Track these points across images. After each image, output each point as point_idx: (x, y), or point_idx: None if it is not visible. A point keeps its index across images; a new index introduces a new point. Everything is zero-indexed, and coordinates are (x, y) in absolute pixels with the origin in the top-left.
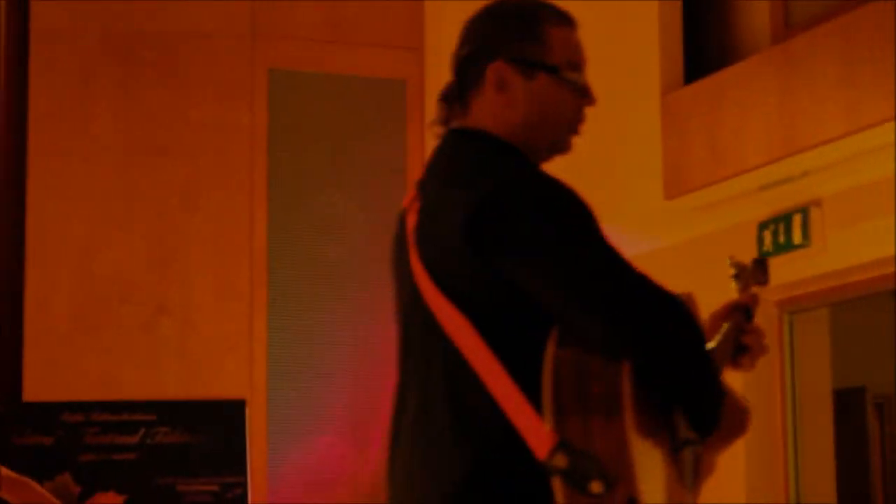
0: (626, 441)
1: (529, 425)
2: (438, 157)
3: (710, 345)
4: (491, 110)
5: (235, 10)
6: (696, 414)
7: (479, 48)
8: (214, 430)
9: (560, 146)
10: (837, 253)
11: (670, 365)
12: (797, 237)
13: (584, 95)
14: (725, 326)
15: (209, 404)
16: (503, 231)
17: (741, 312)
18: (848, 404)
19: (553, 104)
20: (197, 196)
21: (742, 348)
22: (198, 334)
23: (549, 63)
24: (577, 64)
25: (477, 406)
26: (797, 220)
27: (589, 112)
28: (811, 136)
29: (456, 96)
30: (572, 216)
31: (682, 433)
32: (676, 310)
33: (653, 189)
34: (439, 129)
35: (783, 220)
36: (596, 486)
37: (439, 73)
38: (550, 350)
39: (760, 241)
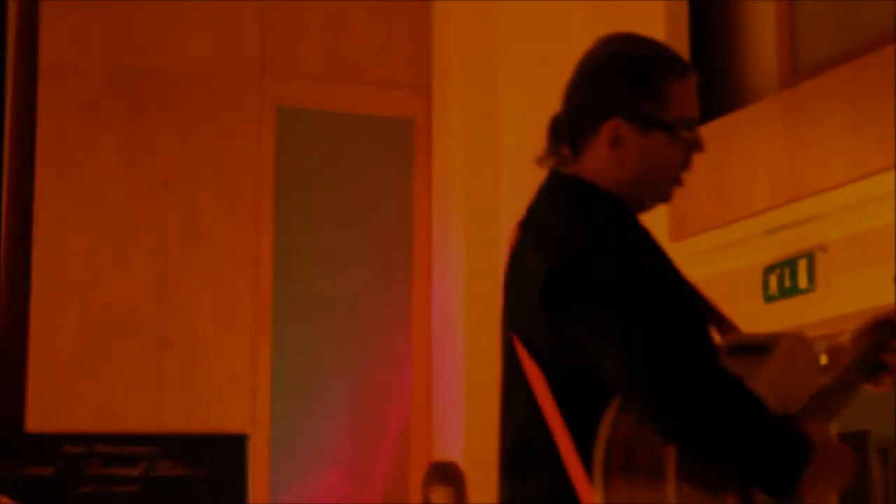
0: None
1: (583, 490)
2: (539, 200)
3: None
4: (602, 163)
5: (244, 47)
6: (764, 485)
7: (596, 101)
8: (216, 463)
9: (665, 196)
10: (842, 298)
11: (720, 450)
12: (802, 282)
13: (696, 149)
14: (865, 343)
15: (211, 438)
16: (576, 299)
17: (887, 327)
18: (851, 449)
19: (665, 161)
20: (202, 230)
21: (882, 366)
22: (201, 368)
23: (665, 121)
24: (691, 119)
25: (546, 459)
26: (803, 265)
27: None
28: (817, 181)
29: (566, 138)
30: (642, 288)
31: (756, 498)
32: (729, 394)
33: (658, 231)
34: (545, 165)
35: (789, 264)
36: None
37: (447, 112)
38: (611, 413)
39: (766, 284)
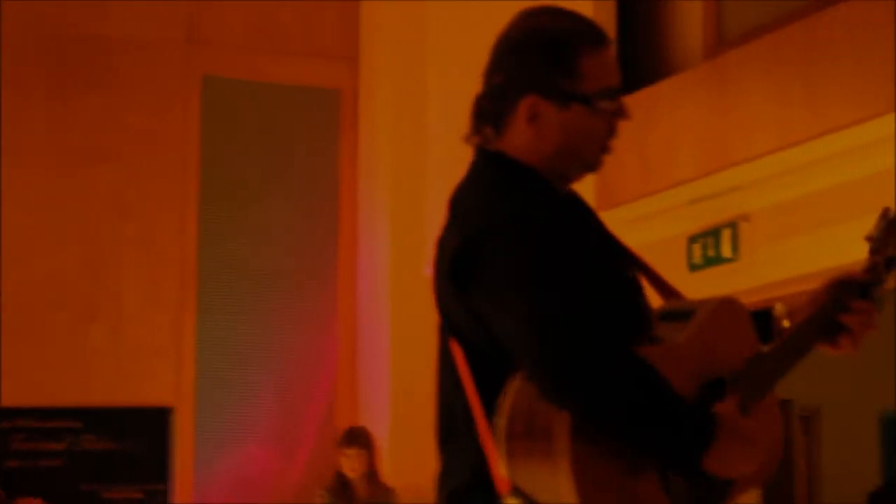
0: (568, 478)
1: (493, 462)
2: (465, 177)
3: (786, 324)
4: (523, 139)
5: (171, 17)
6: (665, 463)
7: (512, 80)
8: (140, 437)
9: (592, 166)
10: (766, 267)
11: (611, 426)
12: (726, 251)
13: (619, 117)
14: (821, 303)
15: (136, 411)
16: (481, 274)
17: (847, 287)
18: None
19: (586, 132)
20: (129, 203)
21: (839, 327)
22: (127, 341)
23: (582, 94)
24: (611, 88)
25: (466, 432)
26: (727, 234)
27: None
28: (741, 151)
29: (489, 117)
30: (543, 263)
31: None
32: (621, 371)
33: (585, 193)
34: (472, 143)
35: (713, 233)
36: None
37: (373, 83)
38: (514, 383)
39: (690, 254)
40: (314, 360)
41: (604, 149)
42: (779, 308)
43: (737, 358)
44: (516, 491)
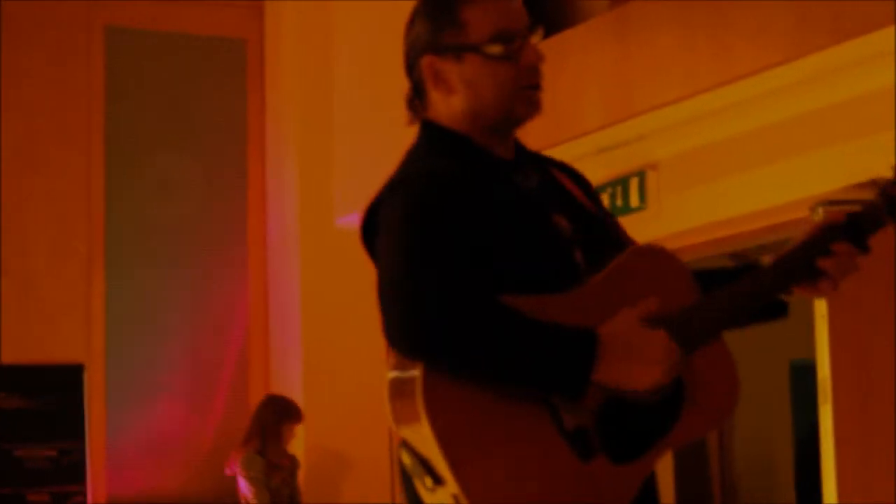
0: (430, 431)
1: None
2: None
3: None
4: (439, 103)
5: None
6: (549, 390)
7: (410, 48)
8: (52, 394)
9: (517, 113)
10: (674, 216)
11: (471, 370)
12: (634, 200)
13: (514, 58)
14: (796, 245)
15: (46, 368)
16: (375, 234)
17: (830, 231)
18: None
19: (487, 80)
20: (34, 155)
21: (816, 271)
22: (35, 297)
23: (470, 43)
24: (503, 31)
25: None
26: (634, 183)
27: None
28: (648, 99)
29: (413, 90)
30: (414, 218)
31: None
32: (471, 316)
33: None
34: (414, 121)
35: (620, 183)
36: (427, 482)
37: (279, 33)
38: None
39: None
40: (225, 314)
41: (519, 94)
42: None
43: (670, 301)
44: (405, 444)
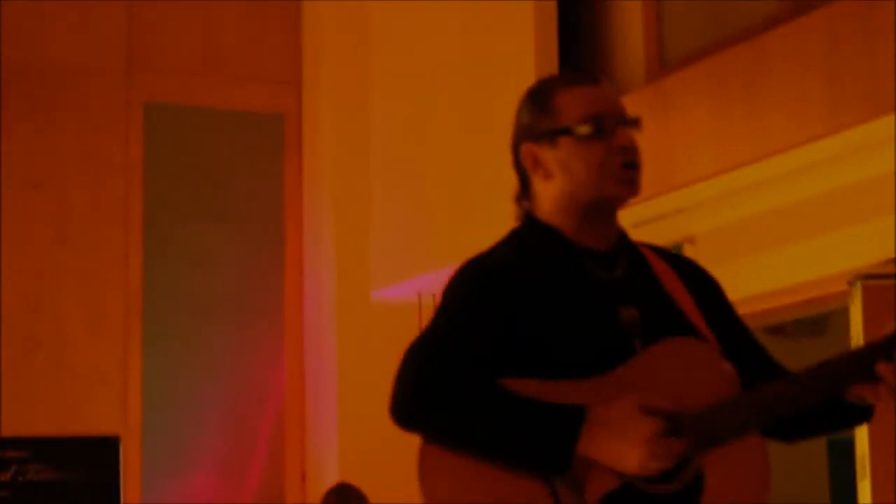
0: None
1: None
2: None
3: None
4: (539, 193)
5: (110, 43)
6: (532, 466)
7: (513, 140)
8: (88, 467)
9: (609, 192)
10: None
11: (460, 445)
12: None
13: (604, 136)
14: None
15: (82, 440)
16: None
17: (874, 350)
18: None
19: (579, 160)
20: (70, 230)
21: (875, 377)
22: (71, 369)
23: (562, 127)
24: (593, 114)
25: None
26: None
27: (466, 144)
28: (684, 173)
29: (520, 186)
30: (453, 302)
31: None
32: (459, 395)
33: None
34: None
35: None
36: None
37: (317, 108)
38: None
39: None
40: (261, 388)
41: (611, 173)
42: None
43: (695, 399)
44: None
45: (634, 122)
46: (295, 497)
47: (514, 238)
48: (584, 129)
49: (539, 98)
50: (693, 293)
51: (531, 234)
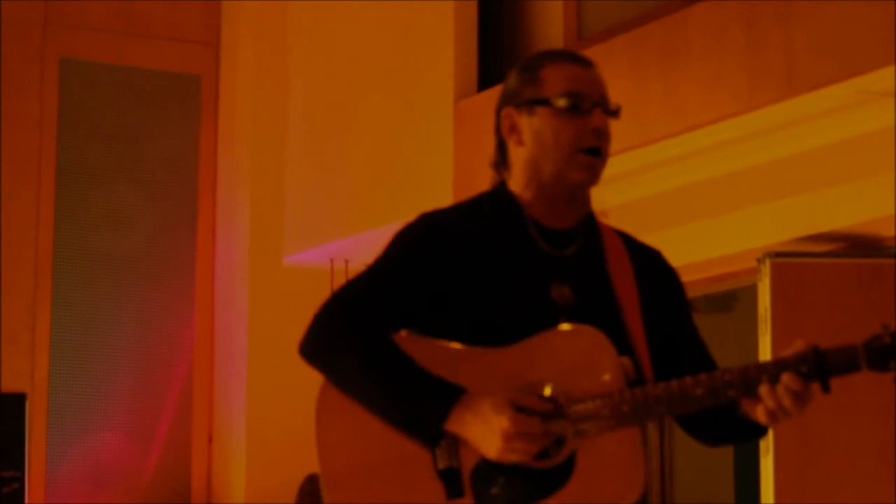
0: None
1: None
2: None
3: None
4: (511, 158)
5: None
6: (402, 427)
7: (497, 105)
8: None
9: (570, 176)
10: None
11: (346, 386)
12: None
13: (579, 113)
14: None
15: None
16: None
17: (792, 359)
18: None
19: (550, 131)
20: None
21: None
22: None
23: (542, 97)
24: (574, 90)
25: None
26: None
27: (382, 115)
28: None
29: (497, 154)
30: (391, 250)
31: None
32: (361, 340)
33: (444, 194)
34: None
35: None
36: None
37: (235, 70)
38: None
39: None
40: (170, 350)
41: (577, 155)
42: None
43: (579, 389)
44: None
45: (614, 111)
46: (201, 458)
47: (475, 201)
48: (561, 102)
49: (528, 67)
50: (642, 287)
51: (492, 199)
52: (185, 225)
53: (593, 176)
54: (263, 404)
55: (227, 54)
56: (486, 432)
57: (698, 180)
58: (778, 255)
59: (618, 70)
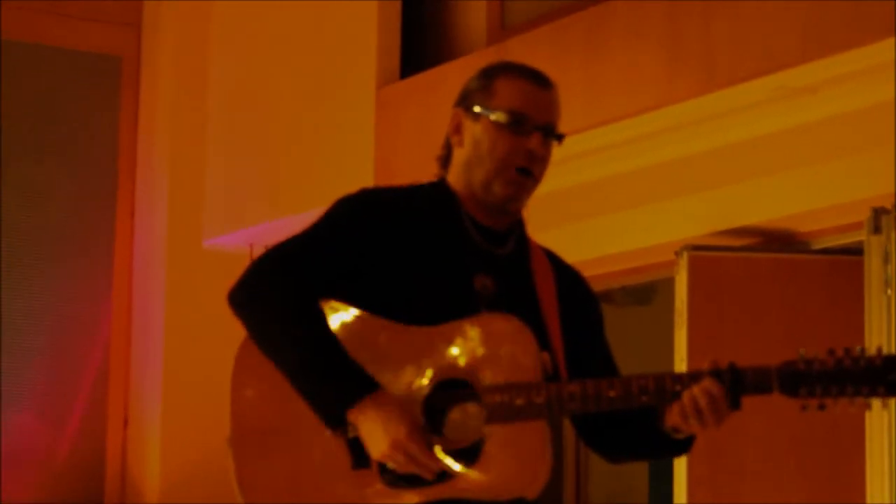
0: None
1: None
2: None
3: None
4: (454, 155)
5: None
6: (314, 408)
7: (456, 99)
8: None
9: (495, 190)
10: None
11: (245, 325)
12: None
13: (518, 132)
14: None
15: None
16: None
17: (709, 373)
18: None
19: (486, 143)
20: None
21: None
22: None
23: (487, 108)
24: (518, 109)
25: None
26: None
27: (303, 100)
28: None
29: (444, 148)
30: (325, 218)
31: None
32: (286, 305)
33: (364, 181)
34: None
35: None
36: None
37: (156, 51)
38: None
39: None
40: (87, 331)
41: (506, 171)
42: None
43: (488, 375)
44: None
45: (557, 137)
46: (116, 442)
47: (417, 187)
48: (501, 117)
49: (487, 73)
50: (563, 301)
51: (431, 188)
52: (104, 206)
53: (517, 193)
54: (179, 388)
55: (148, 35)
56: (378, 431)
57: (617, 172)
58: (695, 248)
59: (540, 60)
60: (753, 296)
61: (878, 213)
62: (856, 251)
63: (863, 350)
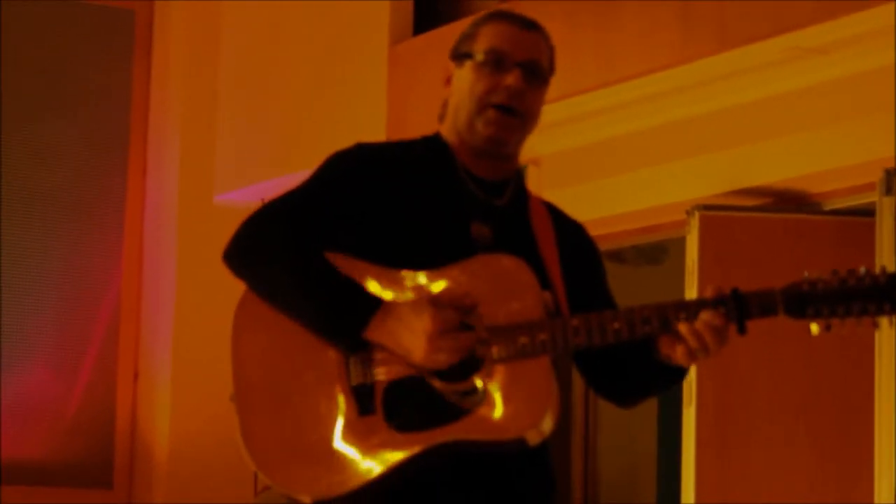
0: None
1: None
2: None
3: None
4: (447, 104)
5: None
6: (325, 335)
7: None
8: None
9: (477, 129)
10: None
11: (267, 293)
12: None
13: (498, 70)
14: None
15: None
16: None
17: (712, 300)
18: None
19: (467, 84)
20: None
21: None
22: None
23: (469, 51)
24: (497, 48)
25: None
26: None
27: (316, 56)
28: None
29: (443, 105)
30: (320, 171)
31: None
32: (285, 249)
33: (376, 137)
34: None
35: None
36: None
37: (169, 6)
38: None
39: None
40: (98, 286)
41: (486, 109)
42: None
43: (495, 311)
44: None
45: (538, 75)
46: (126, 395)
47: (409, 141)
48: (479, 57)
49: (474, 23)
50: (563, 251)
51: (425, 141)
52: (115, 161)
53: (501, 134)
54: (189, 343)
55: None
56: (409, 337)
57: (629, 131)
58: (707, 207)
59: (551, 19)
60: (764, 256)
61: (890, 174)
62: (867, 212)
63: (867, 269)
